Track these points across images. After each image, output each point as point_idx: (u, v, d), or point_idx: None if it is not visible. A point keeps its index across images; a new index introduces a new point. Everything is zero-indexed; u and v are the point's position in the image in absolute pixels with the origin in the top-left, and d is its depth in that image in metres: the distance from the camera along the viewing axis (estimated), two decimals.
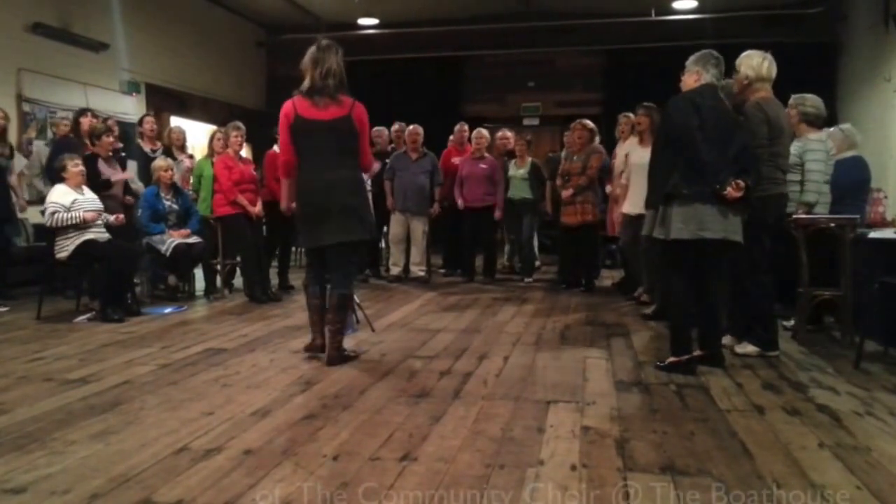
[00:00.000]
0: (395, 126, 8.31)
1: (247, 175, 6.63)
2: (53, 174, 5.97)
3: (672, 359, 3.93)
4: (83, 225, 5.49)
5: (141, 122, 7.44)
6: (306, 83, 3.98)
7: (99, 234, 5.63)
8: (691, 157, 3.75)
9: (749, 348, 4.28)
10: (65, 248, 5.48)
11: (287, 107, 4.01)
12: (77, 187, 5.63)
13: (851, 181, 5.21)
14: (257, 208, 6.57)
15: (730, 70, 4.25)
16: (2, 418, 3.09)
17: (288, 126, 4.00)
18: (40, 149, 6.95)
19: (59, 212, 5.42)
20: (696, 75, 3.98)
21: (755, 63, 4.23)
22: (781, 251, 4.51)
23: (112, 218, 5.80)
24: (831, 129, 5.46)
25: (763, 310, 4.27)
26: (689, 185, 3.76)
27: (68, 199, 5.50)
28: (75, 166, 5.62)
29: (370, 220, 4.23)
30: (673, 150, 3.84)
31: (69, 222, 5.43)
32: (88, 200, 5.66)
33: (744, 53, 4.29)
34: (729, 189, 3.71)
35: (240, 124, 6.74)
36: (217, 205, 6.54)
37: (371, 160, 4.24)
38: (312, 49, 4.00)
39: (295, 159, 4.07)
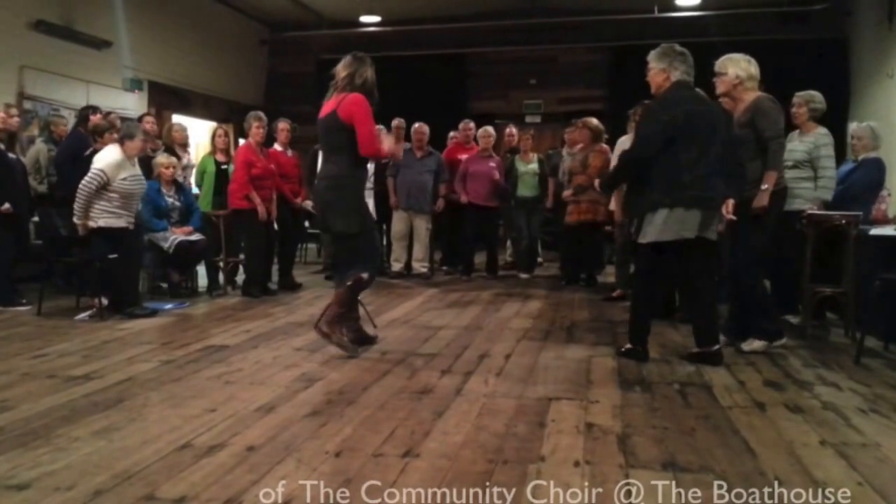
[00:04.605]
0: (395, 122, 8.17)
1: (268, 171, 6.53)
2: (68, 162, 6.03)
3: (629, 346, 4.15)
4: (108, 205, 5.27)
5: (141, 120, 7.43)
6: None
7: (129, 223, 5.45)
8: (668, 168, 3.73)
9: (756, 344, 4.26)
10: (91, 217, 5.24)
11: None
12: (131, 159, 5.42)
13: (877, 182, 5.24)
14: (261, 209, 6.32)
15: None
16: (6, 415, 3.10)
17: None
18: (39, 147, 6.88)
19: (94, 183, 5.16)
20: (663, 73, 3.88)
21: (742, 65, 4.15)
22: (780, 247, 4.52)
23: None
24: (855, 124, 5.43)
25: (763, 303, 4.28)
26: (667, 195, 3.75)
27: (120, 173, 5.25)
28: (132, 140, 5.40)
29: (350, 214, 4.16)
30: (647, 162, 3.81)
31: (79, 206, 5.19)
32: (137, 178, 5.44)
33: (724, 57, 4.21)
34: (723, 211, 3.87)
35: (261, 114, 6.63)
36: (232, 197, 6.44)
37: (372, 146, 4.10)
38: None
39: None
